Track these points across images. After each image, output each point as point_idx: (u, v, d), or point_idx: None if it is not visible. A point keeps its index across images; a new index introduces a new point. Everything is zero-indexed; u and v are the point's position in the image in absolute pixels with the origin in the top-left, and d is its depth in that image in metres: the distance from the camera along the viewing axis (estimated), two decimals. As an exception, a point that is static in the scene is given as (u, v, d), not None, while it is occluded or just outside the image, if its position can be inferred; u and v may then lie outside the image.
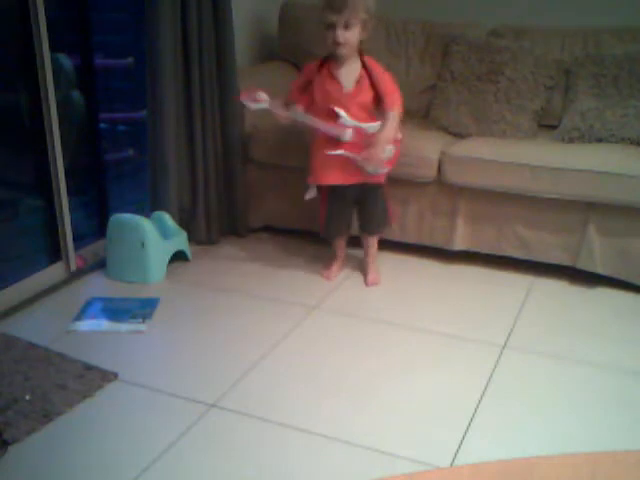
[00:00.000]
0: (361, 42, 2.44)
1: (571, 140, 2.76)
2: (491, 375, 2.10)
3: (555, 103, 2.98)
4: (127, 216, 2.70)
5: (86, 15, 2.83)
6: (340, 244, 2.75)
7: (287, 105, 2.52)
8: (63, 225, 2.61)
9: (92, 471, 1.69)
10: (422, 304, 2.54)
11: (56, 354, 2.15)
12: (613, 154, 2.60)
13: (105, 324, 2.35)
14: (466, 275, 2.78)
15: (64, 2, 2.87)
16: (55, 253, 2.64)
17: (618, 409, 1.95)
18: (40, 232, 2.70)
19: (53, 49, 2.45)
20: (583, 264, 2.63)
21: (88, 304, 2.48)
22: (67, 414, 1.88)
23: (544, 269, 2.75)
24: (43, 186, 2.58)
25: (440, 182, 2.74)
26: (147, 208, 2.85)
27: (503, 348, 2.25)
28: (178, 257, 2.82)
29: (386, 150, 2.43)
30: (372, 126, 2.44)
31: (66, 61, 2.90)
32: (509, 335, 2.33)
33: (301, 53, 3.31)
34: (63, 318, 2.38)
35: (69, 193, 2.60)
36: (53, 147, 2.52)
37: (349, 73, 2.46)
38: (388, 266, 2.81)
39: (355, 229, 2.74)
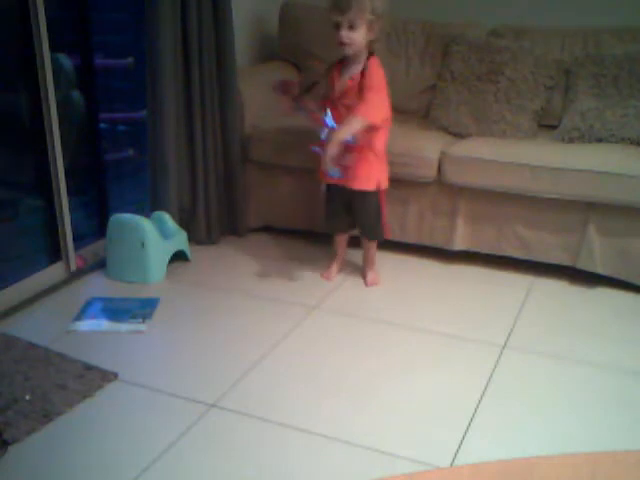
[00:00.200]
0: (371, 42, 2.42)
1: (571, 140, 2.76)
2: (491, 375, 2.10)
3: (555, 103, 2.98)
4: (127, 216, 2.70)
5: (86, 15, 2.83)
6: (340, 242, 2.75)
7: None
8: (63, 225, 2.61)
9: (92, 471, 1.69)
10: (422, 304, 2.54)
11: (56, 354, 2.15)
12: (613, 154, 2.60)
13: (105, 324, 2.35)
14: (466, 275, 2.78)
15: (64, 2, 2.87)
16: (55, 253, 2.64)
17: (618, 409, 1.95)
18: (40, 232, 2.70)
19: (53, 49, 2.45)
20: (583, 264, 2.63)
21: (88, 304, 2.48)
22: (67, 414, 1.88)
23: (544, 269, 2.75)
24: (43, 186, 2.58)
25: (440, 182, 2.74)
26: (147, 208, 2.85)
27: (503, 348, 2.25)
28: (178, 257, 2.82)
29: (330, 168, 2.33)
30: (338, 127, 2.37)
31: (66, 61, 2.90)
32: (509, 335, 2.33)
33: (301, 53, 3.31)
34: (63, 318, 2.38)
35: (69, 193, 2.60)
36: (53, 147, 2.52)
37: (348, 74, 2.46)
38: (388, 266, 2.81)
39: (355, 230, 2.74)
